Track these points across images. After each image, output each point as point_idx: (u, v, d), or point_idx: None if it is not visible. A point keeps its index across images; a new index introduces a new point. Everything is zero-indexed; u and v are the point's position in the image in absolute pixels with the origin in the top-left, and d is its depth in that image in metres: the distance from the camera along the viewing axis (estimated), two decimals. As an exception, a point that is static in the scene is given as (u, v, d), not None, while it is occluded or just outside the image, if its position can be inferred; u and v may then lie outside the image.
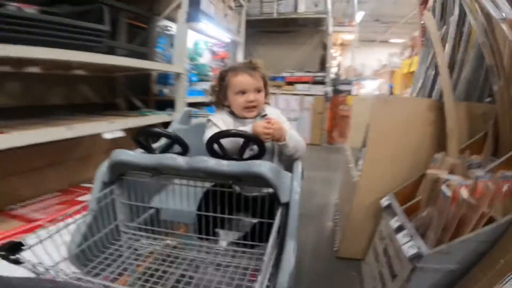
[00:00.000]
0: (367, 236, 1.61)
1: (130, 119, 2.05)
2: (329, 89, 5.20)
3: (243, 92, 1.12)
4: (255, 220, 0.93)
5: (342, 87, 5.52)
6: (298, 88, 5.23)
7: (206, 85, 3.30)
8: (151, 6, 2.38)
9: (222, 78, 1.16)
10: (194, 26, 2.93)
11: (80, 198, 1.74)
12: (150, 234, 1.00)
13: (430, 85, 1.91)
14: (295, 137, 1.08)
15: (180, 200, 1.01)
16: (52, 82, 2.08)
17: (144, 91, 2.74)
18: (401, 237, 1.09)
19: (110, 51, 1.90)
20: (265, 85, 1.17)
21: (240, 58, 4.45)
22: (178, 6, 2.36)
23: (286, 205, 0.84)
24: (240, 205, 0.96)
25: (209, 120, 1.17)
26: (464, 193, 0.94)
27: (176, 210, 1.01)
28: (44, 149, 1.62)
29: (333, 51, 5.99)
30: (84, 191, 1.84)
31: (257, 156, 0.93)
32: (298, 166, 0.98)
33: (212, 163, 0.82)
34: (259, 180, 0.81)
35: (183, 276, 0.82)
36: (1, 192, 1.65)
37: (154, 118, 2.27)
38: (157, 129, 1.00)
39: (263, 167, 0.81)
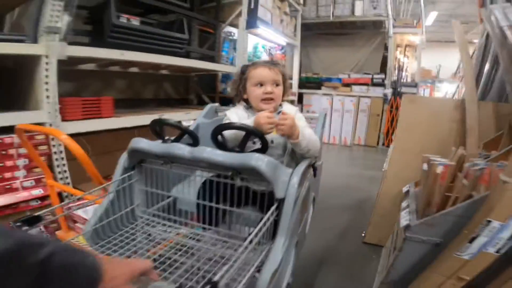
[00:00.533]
0: (391, 223, 1.77)
1: (200, 111, 2.59)
2: (388, 91, 5.15)
3: (261, 84, 1.13)
4: (260, 215, 0.89)
5: (406, 89, 5.38)
6: (355, 90, 5.29)
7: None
8: (217, 15, 2.90)
9: (243, 72, 1.18)
10: (253, 31, 3.38)
11: None
12: (166, 222, 1.01)
13: (488, 85, 1.91)
14: (309, 137, 1.05)
15: (196, 190, 1.01)
16: (146, 80, 2.75)
17: (211, 89, 3.29)
18: (403, 214, 1.28)
19: (187, 54, 2.45)
20: (284, 81, 1.18)
21: (296, 59, 4.78)
22: (239, 14, 2.84)
23: (282, 201, 0.82)
24: (248, 199, 0.93)
25: (225, 114, 1.21)
26: (439, 169, 1.11)
27: (192, 200, 1.00)
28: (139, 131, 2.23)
29: (398, 53, 5.84)
30: None
31: (261, 150, 0.90)
32: (304, 164, 0.95)
33: (208, 153, 0.83)
34: (256, 173, 0.79)
35: (192, 266, 0.81)
36: (110, 163, 2.31)
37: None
38: (169, 120, 1.00)
39: (259, 160, 0.79)
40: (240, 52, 2.94)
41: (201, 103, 3.18)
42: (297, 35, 4.58)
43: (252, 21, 2.80)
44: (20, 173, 1.45)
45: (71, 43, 1.52)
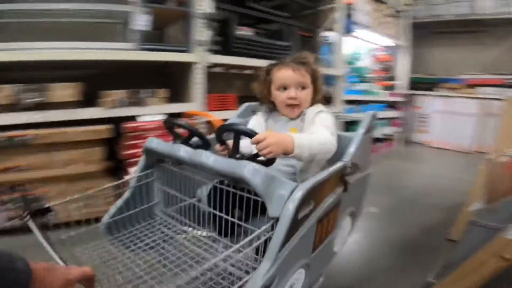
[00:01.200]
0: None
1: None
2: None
3: (284, 88, 1.05)
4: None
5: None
6: (481, 91, 4.64)
7: (365, 86, 3.83)
8: (314, 21, 3.22)
9: (268, 73, 1.09)
10: (352, 34, 3.53)
11: None
12: (186, 221, 0.99)
13: None
14: (309, 142, 0.87)
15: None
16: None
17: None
18: (475, 205, 1.29)
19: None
20: (314, 81, 1.07)
21: (405, 60, 4.59)
22: (335, 20, 3.09)
23: (276, 220, 0.71)
24: (256, 210, 0.79)
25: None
26: (504, 158, 1.10)
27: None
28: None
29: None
30: None
31: (265, 163, 0.79)
32: (317, 178, 0.81)
33: (201, 157, 0.79)
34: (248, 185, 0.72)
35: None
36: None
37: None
38: (178, 120, 0.97)
39: (246, 169, 0.71)
40: (338, 55, 3.18)
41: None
42: (405, 35, 4.42)
43: (348, 26, 3.00)
44: None
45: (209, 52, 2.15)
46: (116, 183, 1.01)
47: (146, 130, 1.91)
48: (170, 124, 0.96)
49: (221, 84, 2.94)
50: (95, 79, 1.91)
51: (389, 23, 3.92)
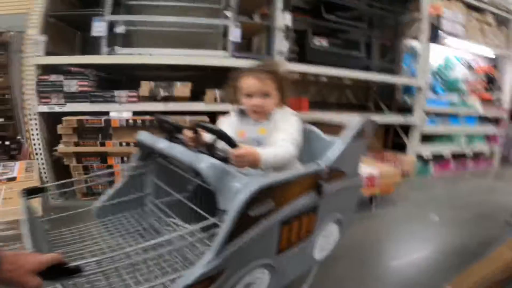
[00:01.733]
0: None
1: (374, 116, 3.06)
2: None
3: (250, 95, 1.13)
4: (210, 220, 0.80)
5: None
6: None
7: (454, 97, 3.60)
8: (397, 30, 3.21)
9: (236, 80, 1.17)
10: (439, 43, 3.34)
11: None
12: (171, 214, 1.02)
13: None
14: (273, 159, 0.98)
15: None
16: (332, 87, 3.52)
17: (389, 97, 3.61)
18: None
19: (367, 68, 2.97)
20: (279, 88, 1.15)
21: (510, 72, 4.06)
22: (420, 29, 3.02)
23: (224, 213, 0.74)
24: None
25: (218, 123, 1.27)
26: None
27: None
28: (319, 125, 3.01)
29: None
30: None
31: (223, 159, 0.84)
32: (275, 176, 0.85)
33: (174, 149, 0.88)
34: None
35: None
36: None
37: (388, 118, 3.14)
38: (162, 117, 1.06)
39: (203, 163, 0.75)
40: (422, 65, 3.11)
41: (378, 110, 3.58)
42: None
43: (435, 35, 2.91)
44: None
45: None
46: (108, 171, 1.19)
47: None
48: (159, 120, 1.07)
49: (298, 89, 3.24)
50: (200, 80, 2.46)
51: (492, 32, 3.58)
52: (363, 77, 2.90)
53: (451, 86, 3.65)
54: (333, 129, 1.44)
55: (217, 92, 2.35)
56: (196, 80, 2.42)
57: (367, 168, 2.23)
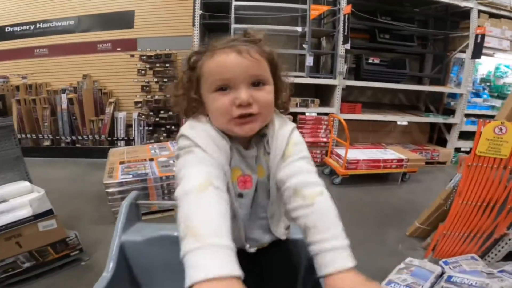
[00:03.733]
0: None
1: (415, 117, 4.02)
2: None
3: (225, 88, 0.60)
4: None
5: None
6: None
7: (497, 102, 4.25)
8: (445, 46, 4.07)
9: (193, 66, 0.64)
10: (491, 55, 4.01)
11: (378, 151, 4.00)
12: None
13: None
14: (341, 227, 0.60)
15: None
16: (385, 91, 4.52)
17: (438, 100, 4.45)
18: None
19: (419, 79, 3.93)
20: (274, 73, 0.66)
21: None
22: (466, 46, 3.82)
23: None
24: None
25: (183, 137, 0.62)
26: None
27: None
28: (372, 123, 4.09)
29: None
30: (382, 148, 4.08)
31: None
32: None
33: None
34: None
35: None
36: (354, 137, 4.36)
37: (432, 119, 4.05)
38: None
39: None
40: (465, 76, 3.92)
41: (428, 111, 4.45)
42: None
43: (476, 52, 3.68)
44: (323, 133, 3.82)
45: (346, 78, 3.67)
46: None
47: (307, 120, 3.69)
48: None
49: (354, 93, 4.37)
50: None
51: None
52: (411, 88, 3.92)
53: (497, 92, 4.29)
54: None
55: (298, 100, 3.69)
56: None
57: (399, 154, 3.32)
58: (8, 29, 4.45)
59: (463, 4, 3.74)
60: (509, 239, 1.77)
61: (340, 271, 0.52)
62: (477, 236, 1.81)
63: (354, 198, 3.02)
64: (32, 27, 4.39)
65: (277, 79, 0.68)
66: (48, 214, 1.55)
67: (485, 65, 4.23)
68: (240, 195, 0.66)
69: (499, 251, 1.84)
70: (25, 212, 1.46)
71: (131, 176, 2.20)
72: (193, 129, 0.62)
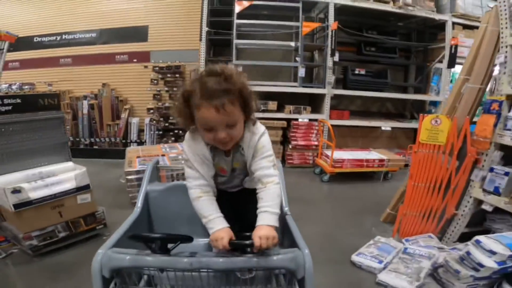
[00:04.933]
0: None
1: (399, 123, 4.41)
2: None
3: (209, 129, 0.91)
4: None
5: None
6: None
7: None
8: (424, 57, 4.53)
9: (187, 100, 0.92)
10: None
11: (363, 152, 4.37)
12: None
13: None
14: (276, 208, 0.96)
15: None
16: (374, 100, 4.92)
17: (421, 108, 4.83)
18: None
19: (404, 88, 4.34)
20: (245, 106, 0.94)
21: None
22: (443, 57, 4.23)
23: (302, 279, 0.86)
24: None
25: (184, 154, 1.03)
26: None
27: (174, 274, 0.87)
28: (361, 129, 4.49)
29: None
30: (367, 150, 4.45)
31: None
32: (301, 240, 0.95)
33: (229, 263, 0.84)
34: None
35: None
36: (344, 142, 4.74)
37: (413, 125, 4.44)
38: (146, 235, 0.89)
39: (286, 261, 0.85)
40: (443, 85, 4.32)
41: (413, 118, 4.84)
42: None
43: (451, 62, 4.09)
44: (314, 137, 4.23)
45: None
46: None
47: (300, 125, 4.10)
48: (138, 239, 0.90)
49: (344, 102, 4.79)
50: (281, 99, 4.25)
51: None
52: (393, 96, 4.31)
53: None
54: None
55: (291, 107, 4.11)
56: (279, 99, 4.22)
57: (381, 155, 3.70)
58: (36, 39, 4.92)
59: (438, 17, 4.17)
60: (459, 219, 2.11)
61: (262, 224, 0.90)
62: (432, 216, 2.16)
63: (340, 193, 3.40)
64: (58, 38, 4.89)
65: (247, 105, 0.95)
66: (86, 188, 1.96)
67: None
68: (221, 176, 1.11)
69: (453, 231, 2.17)
70: (70, 185, 1.88)
71: (146, 166, 2.62)
72: (190, 148, 1.02)
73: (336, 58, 4.03)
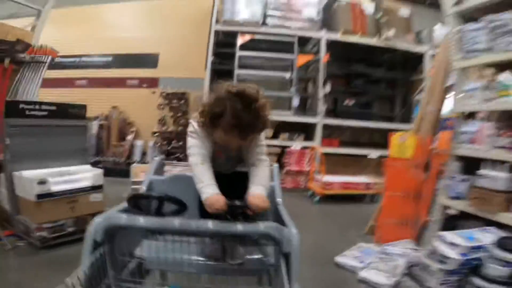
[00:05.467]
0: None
1: (386, 151, 4.74)
2: None
3: (227, 143, 1.11)
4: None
5: None
6: None
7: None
8: (409, 87, 4.91)
9: (216, 117, 1.05)
10: None
11: (352, 177, 4.61)
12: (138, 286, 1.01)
13: None
14: (266, 184, 1.13)
15: (167, 247, 0.98)
16: (362, 132, 5.28)
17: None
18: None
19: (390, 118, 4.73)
20: (262, 130, 1.14)
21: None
22: (423, 88, 4.68)
23: (288, 254, 0.90)
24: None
25: (191, 125, 1.16)
26: None
27: (165, 258, 0.98)
28: (351, 158, 4.78)
29: None
30: (356, 175, 4.70)
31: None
32: (290, 222, 1.04)
33: (218, 226, 0.89)
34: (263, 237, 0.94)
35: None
36: (334, 170, 5.01)
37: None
38: (149, 193, 1.06)
39: (265, 228, 0.90)
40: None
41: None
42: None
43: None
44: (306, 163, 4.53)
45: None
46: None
47: (293, 152, 4.41)
48: (136, 200, 1.00)
49: (337, 133, 5.16)
50: (277, 126, 4.60)
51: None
52: (376, 126, 4.70)
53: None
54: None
55: (287, 134, 4.46)
56: (275, 127, 4.57)
57: (368, 179, 3.99)
58: (56, 59, 5.32)
59: (417, 49, 4.64)
60: (432, 225, 2.32)
61: (254, 191, 1.06)
62: (408, 223, 2.39)
63: (329, 212, 3.65)
64: (77, 60, 5.27)
65: (264, 130, 1.13)
66: (100, 188, 2.21)
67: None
68: (216, 158, 1.22)
69: (428, 236, 2.32)
70: (86, 183, 2.14)
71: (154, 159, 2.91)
72: (198, 124, 1.14)
73: (328, 88, 4.46)
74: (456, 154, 2.06)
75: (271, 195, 1.24)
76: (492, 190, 1.82)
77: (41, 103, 2.03)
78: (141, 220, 0.90)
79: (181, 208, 1.04)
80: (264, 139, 1.20)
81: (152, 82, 5.17)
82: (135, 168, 3.54)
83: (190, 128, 1.16)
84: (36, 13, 2.84)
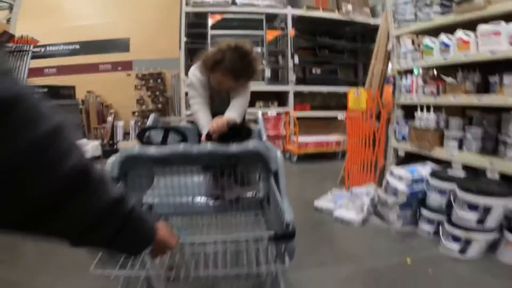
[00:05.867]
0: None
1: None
2: None
3: (220, 84, 1.34)
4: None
5: None
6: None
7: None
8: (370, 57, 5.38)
9: (216, 63, 1.30)
10: None
11: (324, 137, 5.11)
12: None
13: None
14: (240, 108, 1.38)
15: (174, 193, 1.15)
16: (330, 97, 5.74)
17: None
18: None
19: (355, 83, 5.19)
20: (251, 78, 1.42)
21: None
22: None
23: (276, 172, 1.06)
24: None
25: (189, 78, 1.43)
26: None
27: (172, 204, 1.13)
28: (322, 120, 5.24)
29: None
30: (327, 135, 5.21)
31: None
32: (272, 145, 1.18)
33: (215, 148, 1.03)
34: (255, 156, 1.06)
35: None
36: (307, 132, 5.48)
37: (364, 112, 5.28)
38: (155, 125, 1.27)
39: (259, 147, 1.06)
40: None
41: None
42: None
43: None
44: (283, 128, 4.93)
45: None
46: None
47: (269, 118, 4.77)
48: (144, 133, 1.16)
49: (308, 99, 5.58)
50: (252, 96, 4.92)
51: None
52: (343, 91, 5.13)
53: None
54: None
55: (261, 102, 4.80)
56: (251, 97, 4.89)
57: (338, 137, 4.47)
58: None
59: (373, 22, 5.06)
60: (387, 167, 2.82)
61: (219, 117, 1.25)
62: (369, 168, 2.87)
63: (307, 169, 4.11)
64: (42, 50, 5.16)
65: (253, 78, 1.42)
66: (98, 158, 2.48)
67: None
68: (214, 102, 1.46)
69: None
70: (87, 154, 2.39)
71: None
72: (195, 77, 1.40)
73: (296, 60, 4.81)
74: (398, 103, 2.54)
75: (258, 134, 1.57)
76: (426, 130, 2.31)
77: (32, 87, 2.18)
78: (152, 149, 1.02)
79: (182, 139, 1.18)
80: (250, 90, 1.46)
81: (126, 65, 5.27)
82: (123, 144, 3.78)
83: (187, 81, 1.43)
84: (8, 6, 2.89)
